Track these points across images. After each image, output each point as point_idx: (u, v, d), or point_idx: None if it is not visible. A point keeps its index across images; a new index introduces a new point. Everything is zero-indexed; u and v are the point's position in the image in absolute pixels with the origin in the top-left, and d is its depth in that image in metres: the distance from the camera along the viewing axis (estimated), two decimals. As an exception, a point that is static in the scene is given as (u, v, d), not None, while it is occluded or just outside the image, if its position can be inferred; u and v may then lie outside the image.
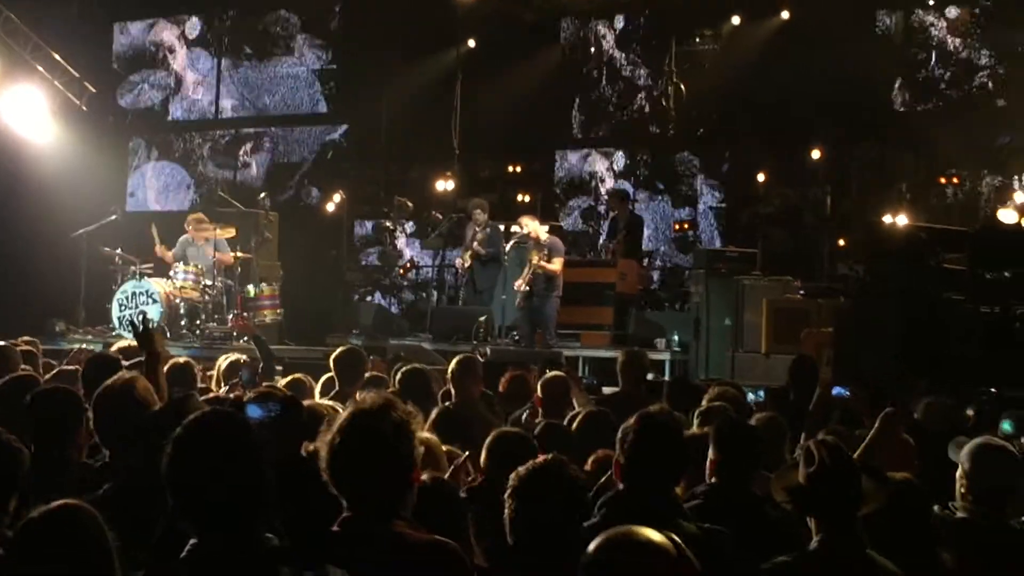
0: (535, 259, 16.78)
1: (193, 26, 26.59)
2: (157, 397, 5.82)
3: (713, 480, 5.51)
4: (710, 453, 5.56)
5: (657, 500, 4.77)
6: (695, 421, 6.65)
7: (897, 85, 20.66)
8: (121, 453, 5.38)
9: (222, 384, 9.26)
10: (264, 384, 8.78)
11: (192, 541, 3.49)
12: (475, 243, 18.09)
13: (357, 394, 4.27)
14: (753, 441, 5.72)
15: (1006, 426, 5.34)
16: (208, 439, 3.58)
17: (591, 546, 3.13)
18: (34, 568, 3.36)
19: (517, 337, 17.10)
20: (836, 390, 7.29)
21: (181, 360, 9.25)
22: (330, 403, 6.24)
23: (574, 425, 6.88)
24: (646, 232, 20.97)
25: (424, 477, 4.59)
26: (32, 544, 3.40)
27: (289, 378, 9.26)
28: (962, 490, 5.58)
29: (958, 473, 5.67)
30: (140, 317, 5.77)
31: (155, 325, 17.27)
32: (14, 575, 3.40)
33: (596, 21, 23.44)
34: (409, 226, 23.32)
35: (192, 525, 3.51)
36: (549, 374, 8.89)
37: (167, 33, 26.80)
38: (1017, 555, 5.35)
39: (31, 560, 3.37)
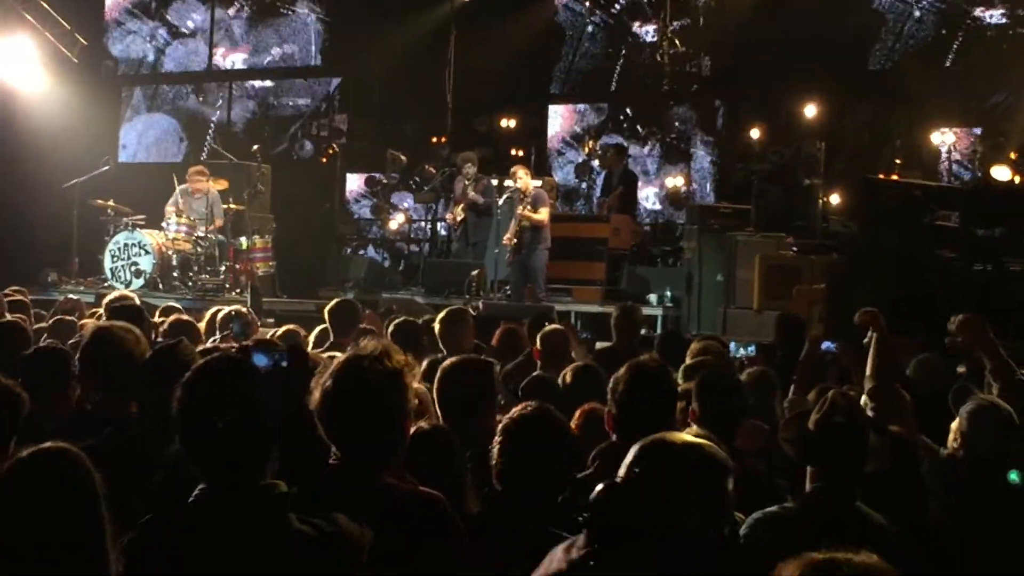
0: (520, 210, 16.75)
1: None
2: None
3: (694, 428, 5.51)
4: (693, 404, 5.57)
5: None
6: (680, 376, 6.64)
7: (892, 41, 20.60)
8: (111, 401, 5.36)
9: (216, 333, 9.29)
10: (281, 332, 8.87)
11: (200, 486, 3.49)
12: (470, 192, 18.06)
13: (357, 341, 4.25)
14: (735, 393, 5.72)
15: (1013, 476, 5.34)
16: (220, 384, 3.57)
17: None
18: (20, 509, 3.36)
19: (509, 291, 17.08)
20: (825, 345, 7.29)
21: (184, 317, 9.30)
22: (327, 353, 6.23)
23: (566, 379, 6.87)
24: (639, 188, 20.98)
25: (422, 424, 4.60)
26: (17, 485, 3.39)
27: (283, 328, 9.28)
28: (955, 445, 5.61)
29: (954, 425, 5.70)
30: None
31: (148, 277, 17.35)
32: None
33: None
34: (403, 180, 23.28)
35: (201, 470, 3.51)
36: (548, 327, 8.88)
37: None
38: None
39: (17, 501, 3.37)
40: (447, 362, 5.56)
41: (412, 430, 4.40)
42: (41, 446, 3.50)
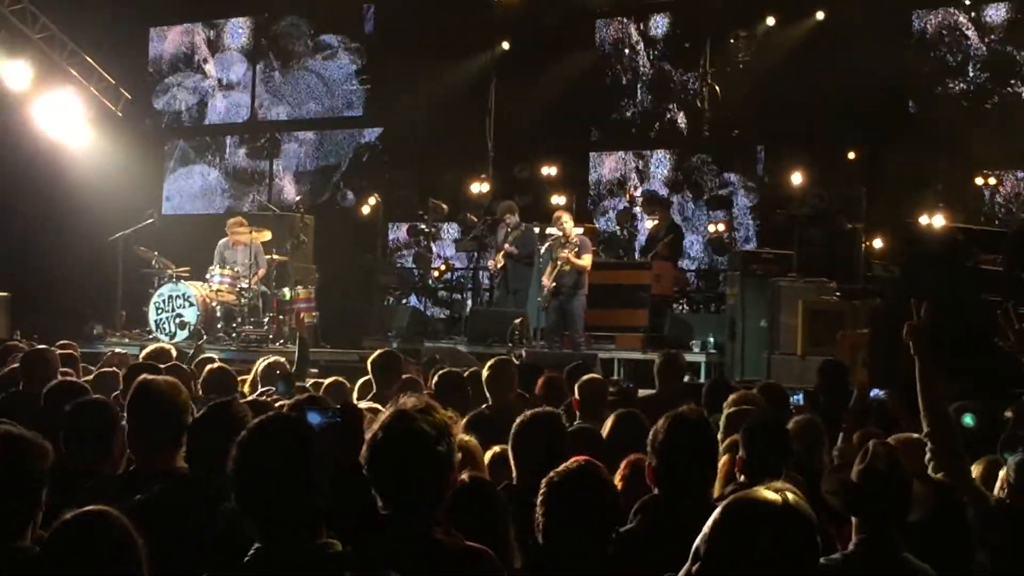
0: (563, 254, 16.75)
1: (229, 30, 26.71)
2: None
3: (742, 479, 5.49)
4: (740, 452, 5.56)
5: (693, 503, 4.76)
6: (720, 426, 6.61)
7: (933, 86, 20.57)
8: (157, 458, 5.38)
9: (258, 386, 9.31)
10: (296, 385, 8.88)
11: (256, 545, 3.50)
12: (507, 244, 18.11)
13: (398, 397, 4.27)
14: (780, 440, 5.70)
15: (967, 419, 5.32)
16: (275, 442, 3.59)
17: None
18: (63, 572, 3.39)
19: (542, 338, 17.04)
20: (874, 392, 7.24)
21: (223, 366, 9.32)
22: (369, 405, 6.25)
23: (606, 428, 6.87)
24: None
25: (464, 476, 4.61)
26: (62, 547, 3.43)
27: (330, 380, 9.31)
28: (1002, 494, 5.57)
29: (1001, 474, 5.66)
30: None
31: (192, 329, 17.44)
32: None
33: (630, 22, 23.42)
34: (445, 229, 23.33)
35: (257, 528, 3.53)
36: (586, 376, 8.89)
37: (202, 37, 26.94)
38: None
39: (61, 564, 3.40)
40: (522, 417, 5.66)
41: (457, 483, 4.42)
42: (81, 510, 3.54)
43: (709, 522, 3.19)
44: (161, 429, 5.38)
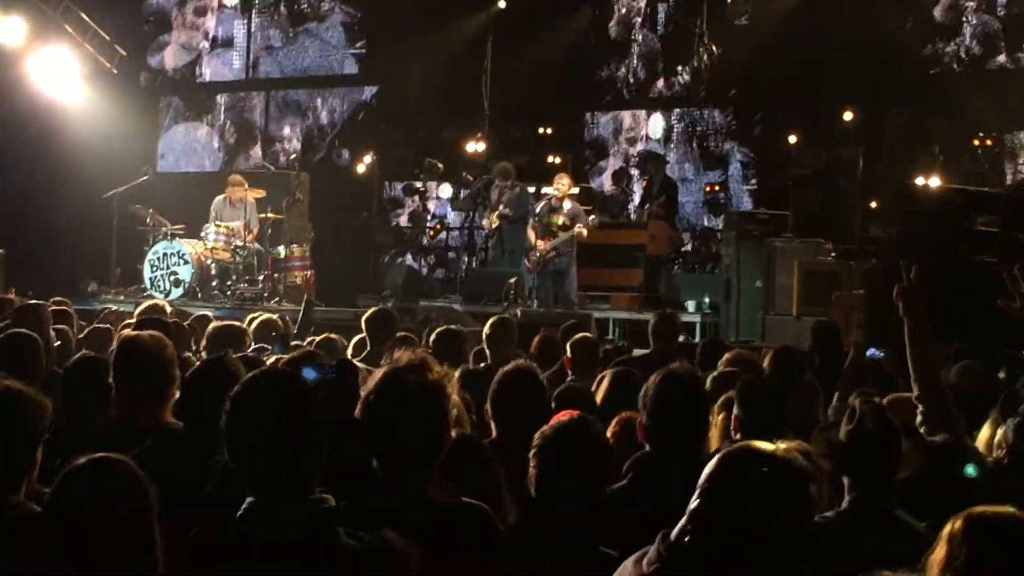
0: (562, 225, 16.74)
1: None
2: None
3: (738, 437, 5.49)
4: (735, 411, 5.54)
5: (684, 459, 4.76)
6: (708, 384, 6.59)
7: (930, 46, 20.50)
8: (143, 413, 5.38)
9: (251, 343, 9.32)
10: (292, 345, 8.88)
11: (248, 499, 3.49)
12: (501, 205, 18.09)
13: (393, 353, 4.25)
14: (775, 400, 5.69)
15: (970, 469, 5.31)
16: (269, 397, 3.57)
17: None
18: (74, 521, 3.39)
19: (536, 297, 17.02)
20: (870, 352, 7.22)
21: (234, 323, 9.34)
22: (362, 364, 6.25)
23: (602, 386, 6.86)
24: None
25: (452, 433, 4.60)
26: (71, 496, 3.42)
27: (321, 336, 9.32)
28: (999, 454, 5.57)
29: (999, 434, 5.66)
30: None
31: (187, 287, 17.45)
32: (53, 528, 3.42)
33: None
34: (442, 189, 23.27)
35: (249, 483, 3.51)
36: (578, 335, 8.90)
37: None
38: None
39: (71, 513, 3.40)
40: (500, 375, 5.63)
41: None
42: (95, 455, 3.53)
43: (704, 472, 3.17)
44: (146, 384, 5.39)
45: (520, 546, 4.12)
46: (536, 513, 4.35)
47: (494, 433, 5.66)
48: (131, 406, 5.41)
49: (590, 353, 8.56)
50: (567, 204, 16.88)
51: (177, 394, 5.39)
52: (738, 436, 5.41)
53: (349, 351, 8.99)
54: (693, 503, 3.15)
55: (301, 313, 11.06)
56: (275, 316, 10.52)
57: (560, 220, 16.77)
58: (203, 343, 8.64)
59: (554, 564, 4.18)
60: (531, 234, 17.09)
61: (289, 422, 3.52)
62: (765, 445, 3.20)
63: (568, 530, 4.23)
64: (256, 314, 10.67)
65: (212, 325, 9.17)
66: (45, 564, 3.40)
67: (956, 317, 10.90)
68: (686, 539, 3.14)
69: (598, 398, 6.65)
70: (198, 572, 3.48)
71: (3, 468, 3.88)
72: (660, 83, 23.08)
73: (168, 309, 10.50)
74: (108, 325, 10.20)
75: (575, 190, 17.42)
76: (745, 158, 22.15)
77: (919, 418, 5.49)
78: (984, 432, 5.80)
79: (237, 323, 9.43)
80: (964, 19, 20.26)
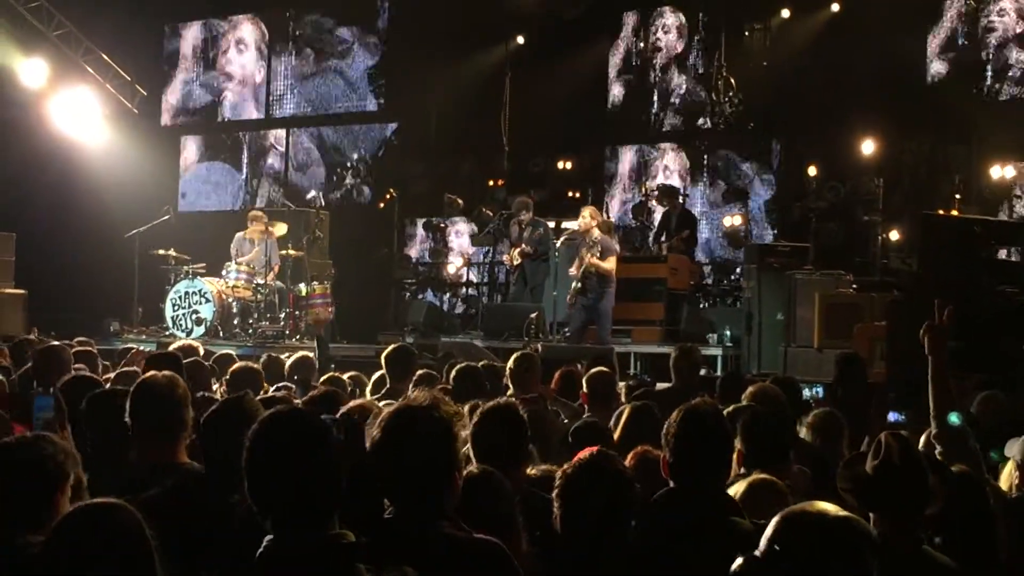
0: (587, 256, 16.65)
1: (244, 26, 26.73)
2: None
3: (741, 471, 5.46)
4: (738, 446, 5.49)
5: (708, 497, 4.74)
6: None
7: (949, 77, 20.48)
8: (155, 452, 5.38)
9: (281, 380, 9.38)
10: (326, 379, 8.92)
11: (268, 537, 3.50)
12: (523, 244, 18.08)
13: (408, 391, 4.27)
14: (778, 432, 5.66)
15: (953, 417, 5.29)
16: (286, 433, 3.57)
17: None
18: (67, 565, 3.39)
19: (568, 333, 16.98)
20: (892, 416, 7.15)
21: (253, 364, 9.37)
22: (382, 401, 6.25)
23: (620, 421, 6.83)
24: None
25: (473, 468, 4.59)
26: (65, 541, 3.42)
27: (326, 376, 9.37)
28: (1016, 481, 5.54)
29: (1009, 467, 5.63)
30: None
31: (208, 325, 17.50)
32: (48, 572, 3.43)
33: (645, 17, 23.36)
34: (461, 226, 23.32)
35: (269, 521, 3.52)
36: (594, 369, 8.89)
37: (217, 33, 26.96)
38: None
39: (64, 557, 3.40)
40: (483, 408, 5.57)
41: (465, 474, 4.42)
42: (89, 502, 3.54)
43: (767, 534, 3.12)
44: (159, 423, 5.40)
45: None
46: (561, 550, 4.33)
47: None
48: (146, 446, 5.42)
49: (607, 388, 8.55)
50: (596, 234, 16.77)
51: (190, 434, 5.41)
52: (742, 470, 5.38)
53: (368, 388, 9.01)
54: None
55: (317, 350, 11.10)
56: (310, 354, 10.57)
57: (587, 255, 16.66)
58: (222, 383, 8.67)
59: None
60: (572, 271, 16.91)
61: (307, 458, 3.53)
62: (828, 506, 3.15)
63: (586, 564, 4.22)
64: (288, 353, 10.71)
65: (234, 366, 9.19)
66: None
67: (981, 347, 10.86)
68: None
69: (617, 432, 6.62)
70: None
71: (25, 509, 3.88)
72: (680, 117, 23.08)
73: (201, 350, 10.51)
74: (135, 367, 10.24)
75: (596, 221, 17.33)
76: (765, 191, 22.14)
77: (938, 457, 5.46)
78: (1009, 466, 5.77)
79: (255, 364, 9.45)
80: (984, 49, 20.23)
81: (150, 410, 5.44)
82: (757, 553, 3.11)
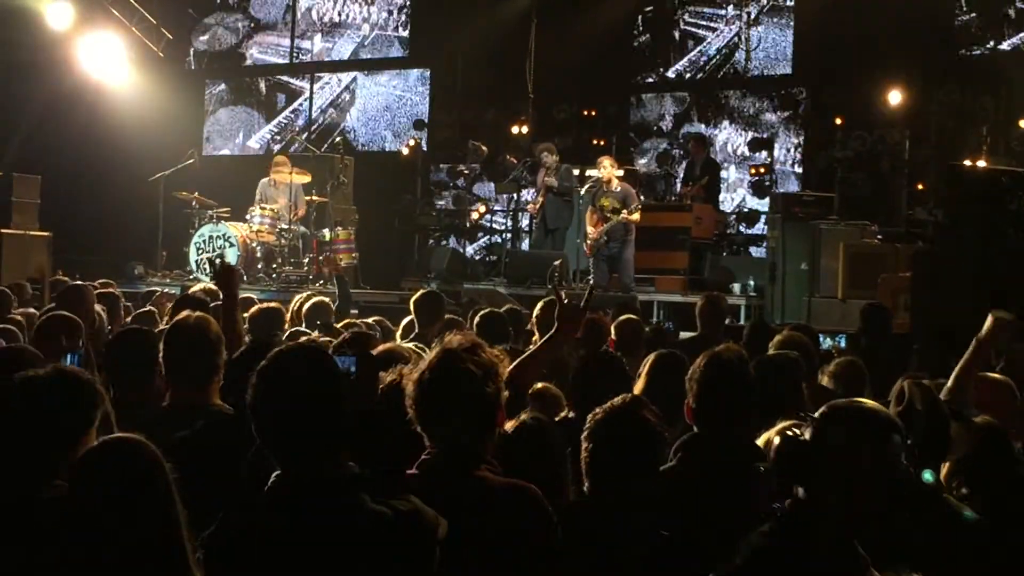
0: (612, 208, 16.60)
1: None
2: (231, 338, 5.86)
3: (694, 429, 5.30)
4: (688, 398, 5.29)
5: (732, 442, 4.75)
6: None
7: (978, 27, 20.31)
8: (191, 393, 5.42)
9: (302, 323, 9.38)
10: (343, 324, 8.93)
11: (275, 473, 3.53)
12: (547, 179, 18.11)
13: (445, 335, 4.27)
14: (736, 383, 5.13)
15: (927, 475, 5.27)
16: (293, 370, 3.60)
17: None
18: (90, 500, 3.42)
19: (592, 280, 16.98)
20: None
21: (272, 304, 9.37)
22: (412, 345, 6.25)
23: (645, 367, 6.80)
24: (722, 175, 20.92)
25: (524, 416, 4.61)
26: (87, 476, 3.45)
27: (344, 321, 9.40)
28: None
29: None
30: (218, 259, 5.75)
31: (229, 265, 17.51)
32: (71, 507, 3.46)
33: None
34: (486, 171, 23.29)
35: (276, 456, 3.55)
36: (622, 317, 8.90)
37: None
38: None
39: (87, 491, 3.43)
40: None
41: (513, 424, 4.44)
42: (109, 437, 3.57)
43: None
44: (192, 366, 5.43)
45: (574, 527, 4.13)
46: (590, 495, 4.35)
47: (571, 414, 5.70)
48: (179, 388, 5.45)
49: (635, 335, 8.57)
50: (616, 186, 16.77)
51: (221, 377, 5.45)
52: (694, 428, 5.11)
53: (398, 333, 9.02)
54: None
55: (337, 293, 11.09)
56: (326, 299, 10.55)
57: (611, 203, 16.68)
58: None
59: (611, 546, 4.18)
60: (587, 219, 17.00)
61: (313, 392, 3.57)
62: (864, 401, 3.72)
63: (623, 512, 4.23)
64: (303, 295, 10.69)
65: (254, 308, 9.20)
66: (69, 543, 3.43)
67: (1004, 299, 10.81)
68: None
69: (641, 381, 6.61)
70: (228, 550, 3.50)
71: (47, 450, 3.88)
72: (707, 66, 22.95)
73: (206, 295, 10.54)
74: (154, 308, 10.28)
75: (620, 172, 17.32)
76: (791, 140, 22.03)
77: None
78: None
79: (275, 304, 9.45)
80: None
81: (184, 353, 5.47)
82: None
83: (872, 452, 3.41)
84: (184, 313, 5.96)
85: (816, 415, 3.52)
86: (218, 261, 6.92)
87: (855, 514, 3.41)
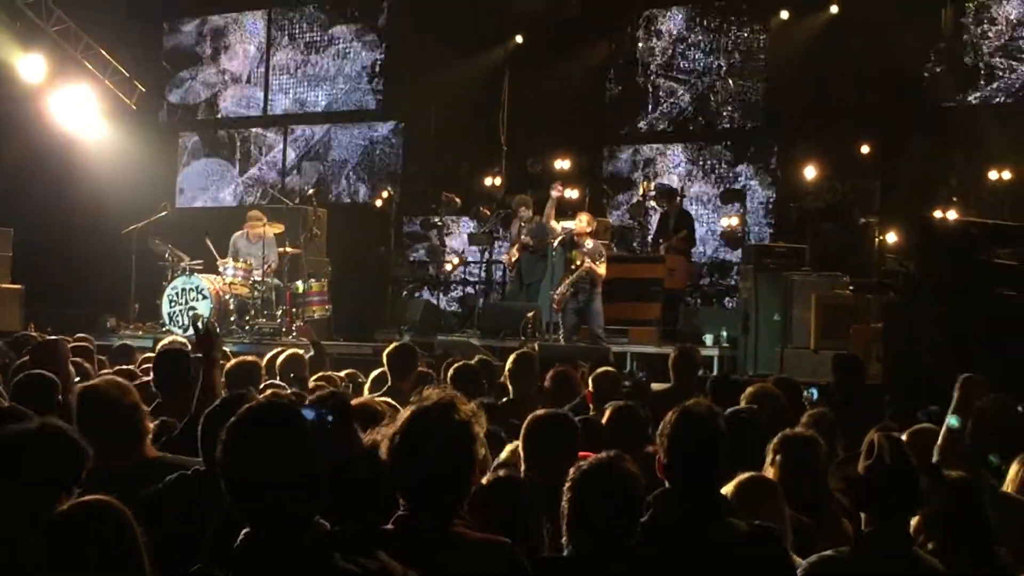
0: (579, 260, 16.64)
1: (243, 23, 26.72)
2: (211, 398, 5.85)
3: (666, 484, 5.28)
4: (659, 455, 5.26)
5: (704, 498, 4.74)
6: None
7: (947, 79, 20.48)
8: (110, 456, 5.40)
9: (277, 376, 9.36)
10: (317, 377, 8.91)
11: (245, 531, 3.51)
12: (522, 235, 18.15)
13: (421, 390, 4.27)
14: (708, 446, 5.28)
15: (953, 420, 5.29)
16: (262, 427, 3.58)
17: None
18: (58, 565, 3.40)
19: (562, 333, 16.98)
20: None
21: (249, 358, 9.34)
22: (384, 399, 6.25)
23: (604, 419, 6.81)
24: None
25: (500, 473, 4.61)
26: (57, 540, 3.43)
27: (319, 375, 9.39)
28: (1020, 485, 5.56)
29: (1013, 470, 5.64)
30: (201, 321, 5.75)
31: (212, 327, 17.45)
32: (40, 570, 3.44)
33: (643, 17, 23.35)
34: (459, 224, 23.32)
35: (245, 514, 3.52)
36: (599, 370, 8.91)
37: (216, 30, 26.96)
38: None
39: (55, 556, 3.41)
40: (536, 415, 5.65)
41: (489, 479, 4.44)
42: (78, 501, 3.55)
43: None
44: (109, 430, 5.42)
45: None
46: (571, 549, 4.34)
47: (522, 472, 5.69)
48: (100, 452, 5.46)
49: (613, 387, 8.57)
50: (588, 243, 16.80)
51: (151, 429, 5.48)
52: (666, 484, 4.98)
53: (367, 386, 9.02)
54: None
55: (313, 355, 11.09)
56: (300, 351, 10.54)
57: (579, 259, 16.70)
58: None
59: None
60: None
61: (283, 450, 3.54)
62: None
63: (603, 565, 4.23)
64: (279, 349, 10.67)
65: (231, 363, 9.17)
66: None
67: (974, 351, 10.87)
68: None
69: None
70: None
71: (28, 503, 3.86)
72: (678, 118, 23.07)
73: (189, 346, 10.52)
74: (132, 367, 10.25)
75: (591, 229, 17.33)
76: (762, 192, 22.14)
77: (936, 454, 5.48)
78: (1013, 468, 5.77)
79: (252, 358, 9.42)
80: (981, 54, 20.25)
81: (101, 418, 5.47)
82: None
83: None
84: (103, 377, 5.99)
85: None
86: (200, 324, 6.86)
87: None
